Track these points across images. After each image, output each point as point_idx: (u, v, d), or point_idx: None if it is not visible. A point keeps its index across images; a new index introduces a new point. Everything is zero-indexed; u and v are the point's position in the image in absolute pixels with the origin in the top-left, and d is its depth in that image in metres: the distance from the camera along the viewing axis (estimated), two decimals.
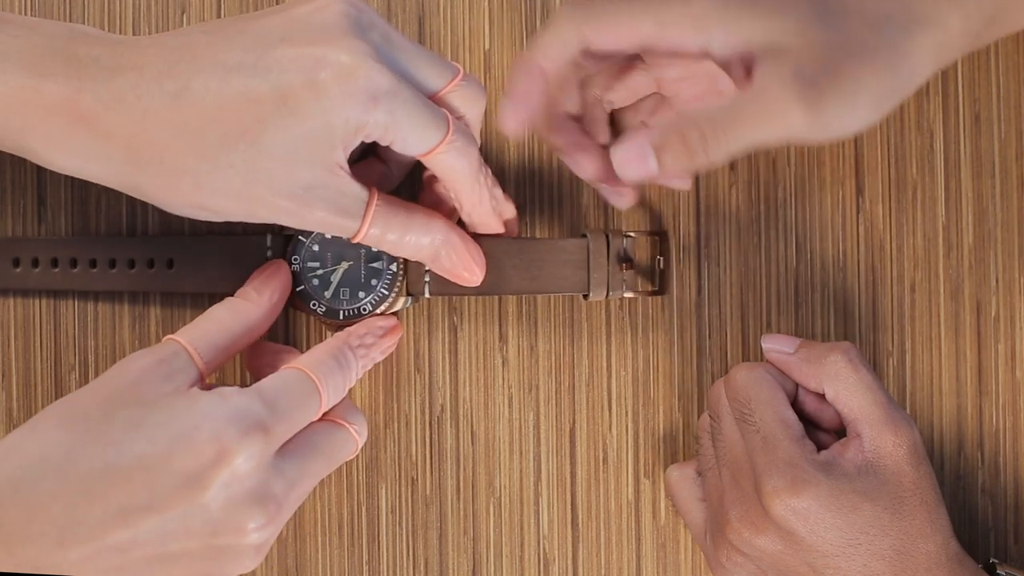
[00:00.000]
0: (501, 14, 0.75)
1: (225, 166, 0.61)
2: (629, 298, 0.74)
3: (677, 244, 0.74)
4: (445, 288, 0.71)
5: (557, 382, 0.75)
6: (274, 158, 0.61)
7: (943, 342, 0.75)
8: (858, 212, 0.75)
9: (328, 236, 0.71)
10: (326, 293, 0.71)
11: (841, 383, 0.68)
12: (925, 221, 0.75)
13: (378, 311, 0.71)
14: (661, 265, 0.73)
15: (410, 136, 0.63)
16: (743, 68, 0.63)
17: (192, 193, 0.62)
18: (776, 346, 0.70)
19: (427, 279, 0.71)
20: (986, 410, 0.75)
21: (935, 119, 0.75)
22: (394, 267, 0.71)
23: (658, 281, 0.74)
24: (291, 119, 0.61)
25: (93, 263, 0.72)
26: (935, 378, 0.75)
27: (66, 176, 0.73)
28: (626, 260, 0.72)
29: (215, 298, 0.71)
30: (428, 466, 0.74)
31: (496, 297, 0.74)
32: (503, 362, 0.74)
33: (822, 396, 0.69)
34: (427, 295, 0.71)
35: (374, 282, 0.71)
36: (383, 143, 0.64)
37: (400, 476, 0.74)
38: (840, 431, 0.69)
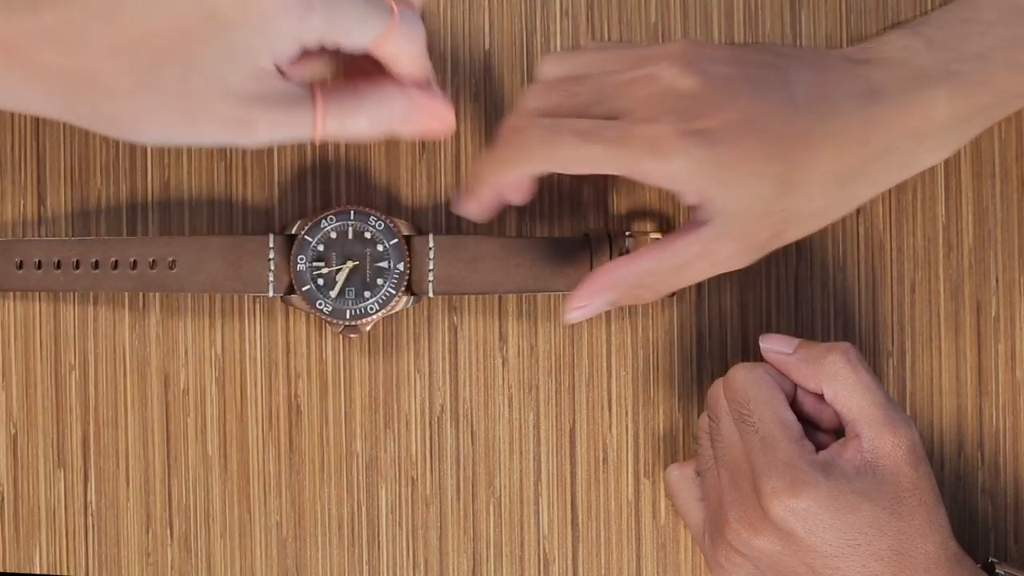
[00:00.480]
0: (501, 14, 0.75)
1: (158, 84, 0.61)
2: None
3: None
4: (449, 287, 0.71)
5: (557, 382, 0.75)
6: (204, 73, 0.61)
7: (943, 342, 0.75)
8: (858, 212, 0.74)
9: (333, 235, 0.71)
10: (331, 293, 0.71)
11: (840, 383, 0.68)
12: (925, 221, 0.75)
13: (384, 312, 0.71)
14: None
15: (354, 31, 0.63)
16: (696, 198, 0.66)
17: (131, 115, 0.62)
18: (774, 346, 0.70)
19: (431, 279, 0.71)
20: (986, 410, 0.75)
21: None
22: (401, 266, 0.71)
23: None
24: (218, 35, 0.61)
25: (96, 264, 0.72)
26: (935, 378, 0.75)
27: (66, 176, 0.74)
28: None
29: (216, 299, 0.71)
30: (428, 466, 0.74)
31: (496, 297, 0.74)
32: (503, 362, 0.74)
33: (821, 396, 0.68)
34: (431, 294, 0.71)
35: (380, 282, 0.71)
36: (327, 45, 0.63)
37: (400, 476, 0.74)
38: (839, 431, 0.69)
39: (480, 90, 0.74)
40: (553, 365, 0.75)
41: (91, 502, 0.74)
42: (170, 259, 0.72)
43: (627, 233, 0.72)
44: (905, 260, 0.75)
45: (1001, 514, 0.74)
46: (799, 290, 0.75)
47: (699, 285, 0.74)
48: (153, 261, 0.72)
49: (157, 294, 0.74)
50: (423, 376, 0.74)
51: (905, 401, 0.74)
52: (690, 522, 0.71)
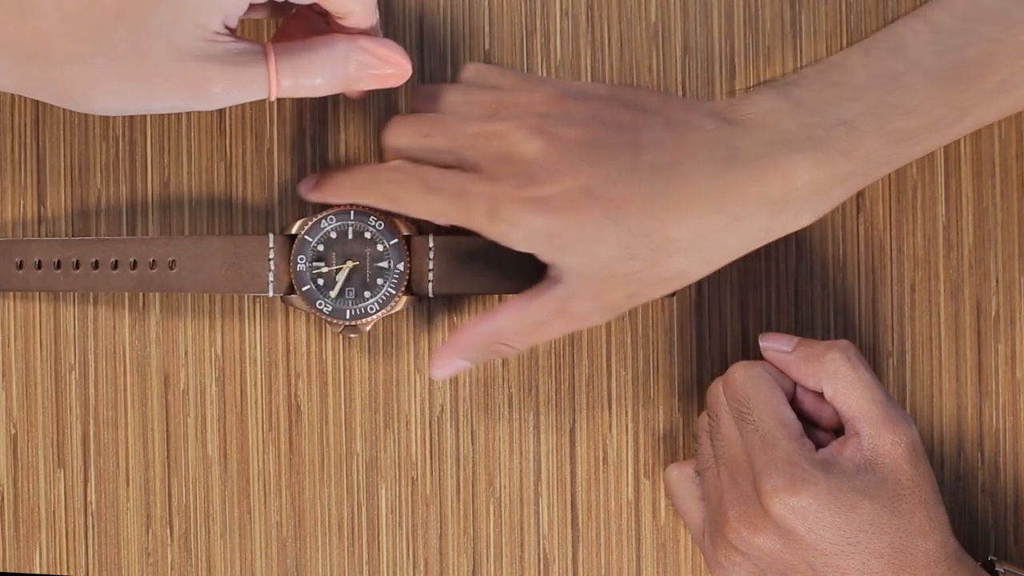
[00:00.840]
0: (501, 14, 0.75)
1: (109, 49, 0.62)
2: None
3: None
4: (449, 288, 0.71)
5: (557, 382, 0.75)
6: (155, 36, 0.62)
7: (943, 342, 0.75)
8: (858, 212, 0.74)
9: (333, 235, 0.71)
10: (331, 293, 0.71)
11: (839, 381, 0.68)
12: (925, 221, 0.75)
13: (384, 312, 0.71)
14: None
15: None
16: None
17: (82, 83, 0.62)
18: (774, 345, 0.70)
19: (431, 279, 0.71)
20: (986, 410, 0.74)
21: None
22: (401, 266, 0.71)
23: None
24: None
25: (96, 264, 0.72)
26: (935, 378, 0.75)
27: (66, 176, 0.74)
28: None
29: (216, 299, 0.71)
30: (428, 466, 0.74)
31: (496, 297, 0.74)
32: (503, 362, 0.74)
33: (820, 395, 0.69)
34: (431, 295, 0.71)
35: (380, 282, 0.71)
36: None
37: (400, 476, 0.74)
38: (838, 430, 0.69)
39: None
40: (553, 365, 0.75)
41: (91, 502, 0.74)
42: (170, 259, 0.71)
43: None
44: (905, 260, 0.75)
45: (1001, 514, 0.74)
46: (799, 290, 0.75)
47: (699, 285, 0.74)
48: (153, 261, 0.72)
49: (157, 294, 0.74)
50: (423, 376, 0.74)
51: (905, 401, 0.74)
52: (690, 522, 0.71)
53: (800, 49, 0.74)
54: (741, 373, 0.69)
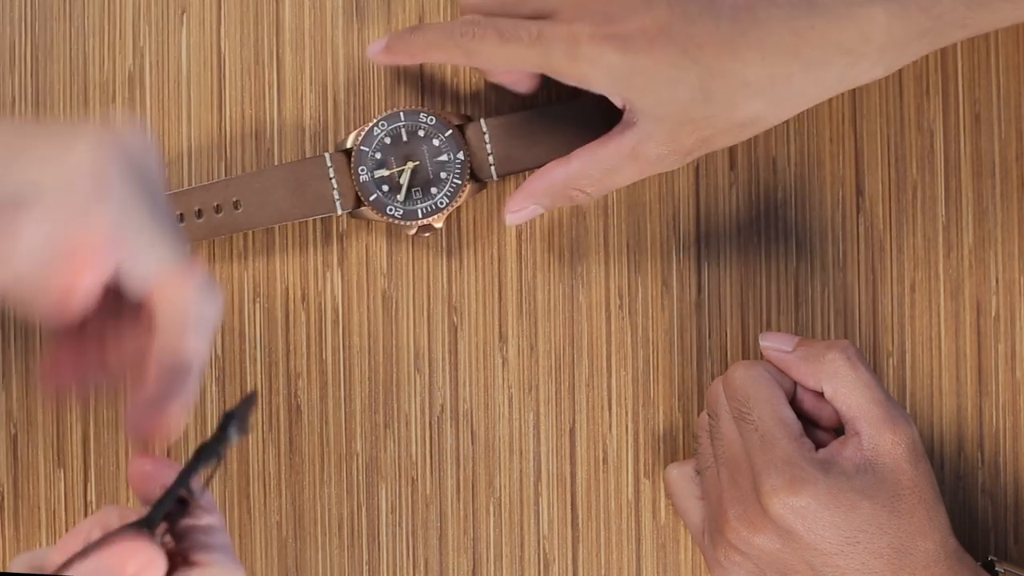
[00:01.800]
0: None
1: None
2: None
3: (677, 244, 0.74)
4: (511, 166, 0.72)
5: (557, 382, 0.75)
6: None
7: (943, 342, 0.75)
8: (858, 212, 0.74)
9: (388, 140, 0.71)
10: (399, 197, 0.71)
11: (839, 381, 0.68)
12: (925, 221, 0.75)
13: (454, 204, 0.71)
14: None
15: (143, 254, 0.55)
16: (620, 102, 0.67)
17: None
18: (774, 344, 0.70)
19: (492, 162, 0.72)
20: (986, 410, 0.74)
21: (935, 119, 0.75)
22: (461, 155, 0.71)
23: None
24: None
25: None
26: (935, 378, 0.75)
27: None
28: None
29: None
30: (428, 466, 0.74)
31: (496, 297, 0.74)
32: (503, 362, 0.74)
33: (820, 394, 0.69)
34: (495, 177, 0.72)
35: (444, 175, 0.71)
36: (103, 273, 0.55)
37: (400, 476, 0.74)
38: (838, 429, 0.69)
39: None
40: (553, 365, 0.75)
41: (91, 502, 0.74)
42: (234, 199, 0.72)
43: None
44: (905, 260, 0.75)
45: (1001, 514, 0.74)
46: (799, 290, 0.75)
47: (699, 285, 0.74)
48: (217, 206, 0.72)
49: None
50: (423, 376, 0.74)
51: (905, 401, 0.74)
52: (689, 521, 0.71)
53: None
54: (741, 372, 0.69)
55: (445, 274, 0.74)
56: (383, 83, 0.74)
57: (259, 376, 0.74)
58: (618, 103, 0.67)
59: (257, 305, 0.74)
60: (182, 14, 0.74)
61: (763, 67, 0.65)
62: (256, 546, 0.74)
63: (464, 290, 0.74)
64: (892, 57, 0.66)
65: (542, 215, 0.74)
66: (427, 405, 0.74)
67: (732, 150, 0.74)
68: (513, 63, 0.67)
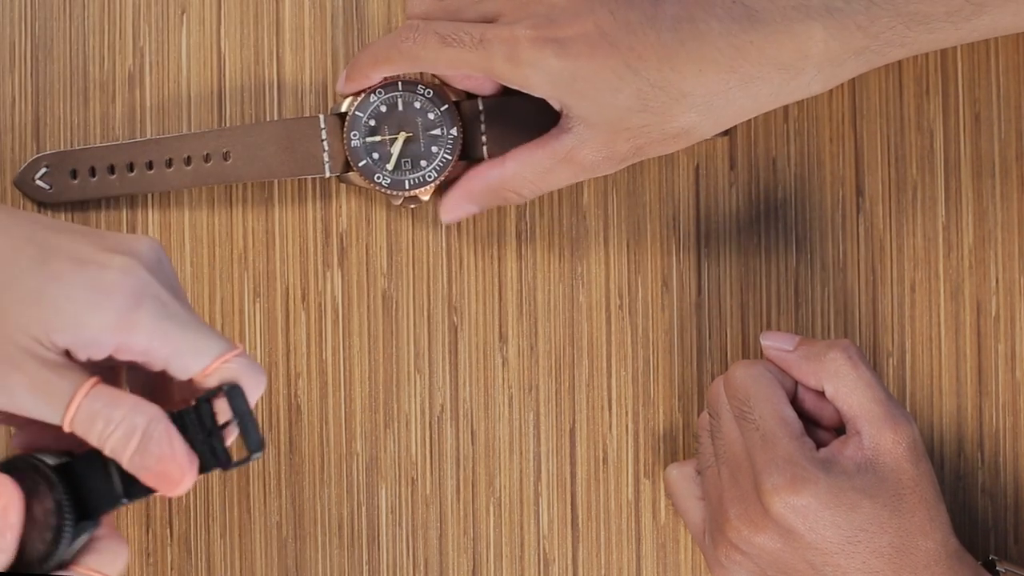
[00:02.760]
0: None
1: None
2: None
3: (677, 244, 0.74)
4: (503, 147, 0.71)
5: (557, 382, 0.74)
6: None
7: (943, 342, 0.75)
8: (858, 212, 0.75)
9: (383, 109, 0.71)
10: (388, 166, 0.71)
11: (840, 380, 0.68)
12: (925, 221, 0.75)
13: (441, 178, 0.71)
14: None
15: (184, 347, 0.60)
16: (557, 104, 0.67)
17: None
18: (775, 343, 0.70)
19: (484, 141, 0.72)
20: (986, 410, 0.74)
21: (935, 119, 0.75)
22: (454, 132, 0.71)
23: None
24: (33, 293, 0.59)
25: (150, 165, 0.72)
26: (935, 378, 0.75)
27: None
28: None
29: (216, 298, 0.71)
30: (428, 466, 0.74)
31: (496, 297, 0.74)
32: (503, 362, 0.74)
33: (821, 394, 0.69)
34: (486, 156, 0.72)
35: (435, 149, 0.71)
36: (152, 366, 0.61)
37: (400, 476, 0.74)
38: (839, 429, 0.69)
39: None
40: (553, 365, 0.74)
41: None
42: (224, 150, 0.72)
43: None
44: (905, 260, 0.75)
45: (1001, 514, 0.74)
46: (799, 290, 0.75)
47: (699, 285, 0.74)
48: (207, 155, 0.72)
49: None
50: (423, 376, 0.74)
51: (905, 401, 0.74)
52: (690, 521, 0.71)
53: None
54: (742, 372, 0.69)
55: (445, 274, 0.74)
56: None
57: None
58: (555, 106, 0.67)
59: (257, 305, 0.74)
60: (182, 14, 0.74)
61: (700, 80, 0.65)
62: (256, 546, 0.74)
63: (464, 290, 0.74)
64: (829, 74, 0.66)
65: (542, 216, 0.74)
66: (427, 405, 0.74)
67: (732, 150, 0.74)
68: (456, 66, 0.68)
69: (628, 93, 0.65)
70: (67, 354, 0.60)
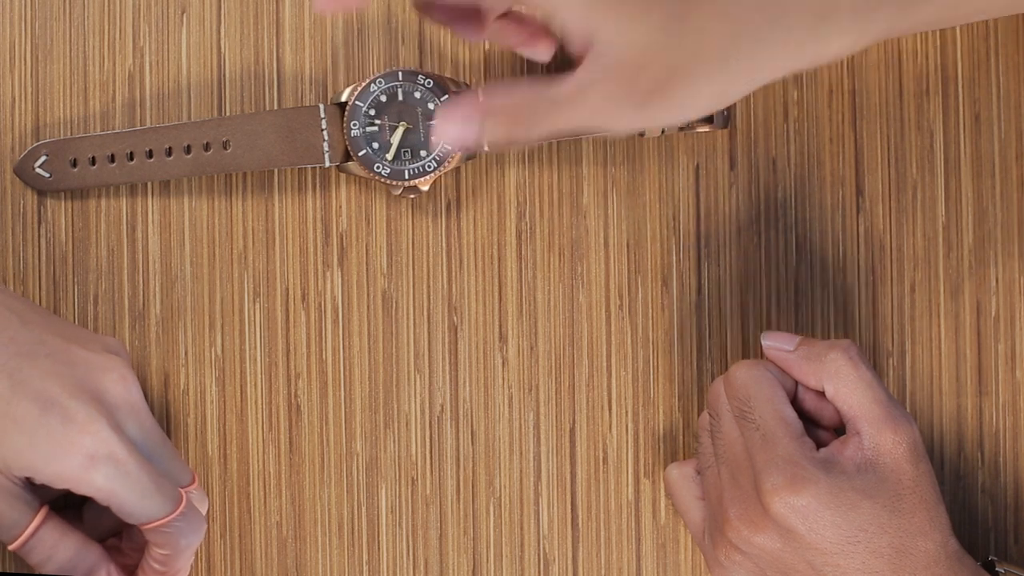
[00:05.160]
0: None
1: None
2: (693, 133, 0.74)
3: (677, 244, 0.74)
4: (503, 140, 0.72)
5: (557, 382, 0.75)
6: None
7: (943, 342, 0.75)
8: (858, 212, 0.75)
9: (383, 99, 0.71)
10: (387, 156, 0.71)
11: (841, 380, 0.68)
12: (925, 221, 0.75)
13: (441, 169, 0.71)
14: None
15: (129, 506, 0.65)
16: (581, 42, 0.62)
17: None
18: (776, 343, 0.70)
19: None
20: (986, 410, 0.75)
21: (935, 119, 0.75)
22: None
23: (715, 117, 0.73)
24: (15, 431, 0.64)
25: (150, 153, 0.72)
26: (935, 378, 0.75)
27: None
28: None
29: (216, 297, 0.71)
30: (428, 466, 0.74)
31: (496, 297, 0.74)
32: (503, 362, 0.74)
33: (821, 394, 0.69)
34: (486, 148, 0.72)
35: (435, 139, 0.72)
36: (104, 503, 0.66)
37: (400, 476, 0.74)
38: (839, 429, 0.69)
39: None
40: (553, 365, 0.74)
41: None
42: (224, 139, 0.72)
43: None
44: (905, 260, 0.75)
45: (1001, 514, 0.74)
46: (799, 290, 0.75)
47: (699, 285, 0.74)
48: (207, 144, 0.72)
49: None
50: (423, 376, 0.74)
51: (905, 401, 0.74)
52: (690, 521, 0.71)
53: None
54: (743, 372, 0.69)
55: (445, 274, 0.74)
56: (385, 44, 0.75)
57: (259, 376, 0.74)
58: (577, 38, 0.62)
59: (257, 305, 0.74)
60: (182, 14, 0.74)
61: (728, 17, 0.62)
62: (256, 546, 0.74)
63: (464, 290, 0.74)
64: (857, 27, 0.63)
65: (542, 216, 0.74)
66: (427, 405, 0.74)
67: (732, 150, 0.74)
68: None
69: (658, 18, 0.61)
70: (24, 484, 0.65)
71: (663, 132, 0.73)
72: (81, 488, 0.65)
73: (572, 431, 0.74)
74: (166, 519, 0.66)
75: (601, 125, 0.63)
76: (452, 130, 0.62)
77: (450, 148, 0.71)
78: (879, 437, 0.66)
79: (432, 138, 0.71)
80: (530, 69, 0.75)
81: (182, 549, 0.67)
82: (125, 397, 0.66)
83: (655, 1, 0.61)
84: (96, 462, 0.64)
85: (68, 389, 0.65)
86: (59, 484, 0.65)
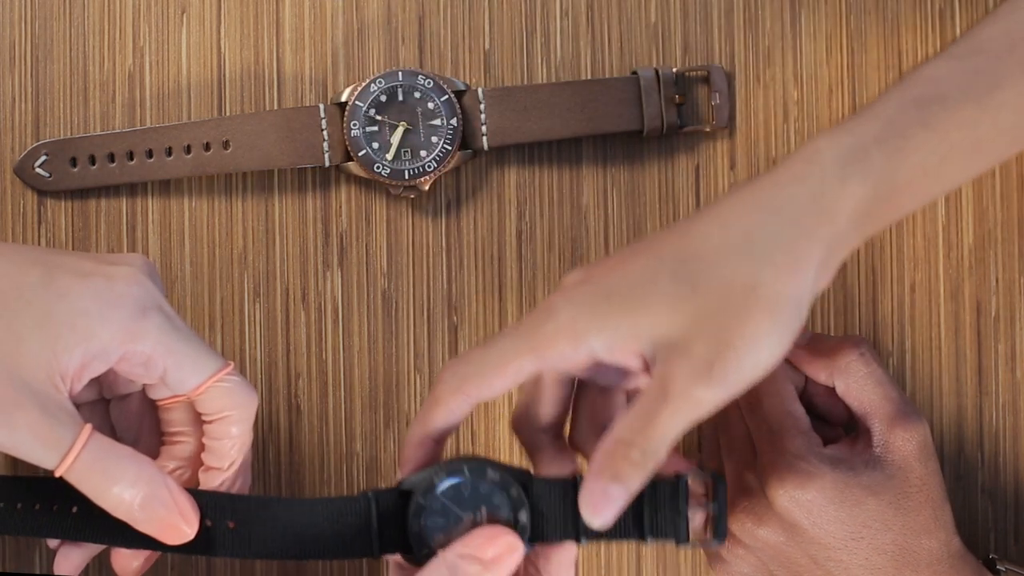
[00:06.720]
0: (501, 14, 0.75)
1: None
2: (693, 133, 0.74)
3: None
4: (503, 139, 0.72)
5: None
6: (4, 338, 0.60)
7: (943, 342, 0.75)
8: None
9: (383, 99, 0.72)
10: (387, 156, 0.71)
11: (851, 377, 0.68)
12: (925, 221, 0.75)
13: (441, 169, 0.72)
14: (716, 100, 0.74)
15: (184, 361, 0.63)
16: (638, 360, 0.60)
17: None
18: None
19: (484, 132, 0.72)
20: (986, 410, 0.75)
21: None
22: (454, 122, 0.72)
23: (715, 116, 0.74)
24: (38, 313, 0.60)
25: (150, 153, 0.72)
26: (935, 378, 0.75)
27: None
28: (679, 94, 0.73)
29: (216, 297, 0.71)
30: None
31: (496, 297, 0.74)
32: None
33: (832, 390, 0.69)
34: (486, 147, 0.72)
35: (435, 139, 0.72)
36: (147, 378, 0.63)
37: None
38: (848, 427, 0.69)
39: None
40: None
41: None
42: (224, 139, 0.72)
43: (677, 71, 0.74)
44: (905, 260, 0.75)
45: (1001, 514, 0.74)
46: None
47: None
48: (207, 144, 0.72)
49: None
50: (423, 376, 0.74)
51: None
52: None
53: (800, 49, 0.75)
54: None
55: (445, 274, 0.74)
56: (386, 46, 0.75)
57: (259, 376, 0.74)
58: (636, 363, 0.61)
59: (257, 305, 0.74)
60: (182, 14, 0.74)
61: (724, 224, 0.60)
62: None
63: (464, 290, 0.74)
64: (857, 168, 0.60)
65: (542, 216, 0.74)
66: None
67: (732, 150, 0.74)
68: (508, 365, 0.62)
69: (663, 291, 0.59)
70: (71, 387, 0.61)
71: (663, 132, 0.73)
72: (137, 343, 0.61)
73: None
74: (222, 371, 0.63)
75: (693, 417, 0.59)
76: (606, 513, 0.60)
77: (450, 148, 0.71)
78: (889, 434, 0.66)
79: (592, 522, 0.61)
80: (530, 68, 0.75)
81: (245, 404, 0.64)
82: (153, 273, 0.64)
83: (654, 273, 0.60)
84: (147, 311, 0.61)
85: (102, 264, 0.62)
86: (115, 348, 0.61)
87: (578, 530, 0.62)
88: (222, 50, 0.74)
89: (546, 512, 0.62)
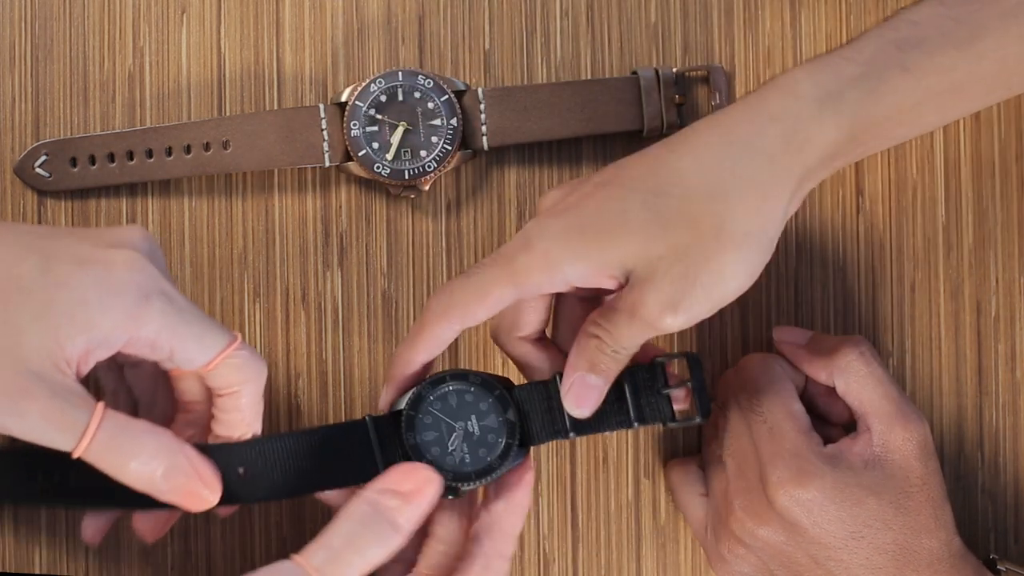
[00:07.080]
0: (501, 14, 0.75)
1: None
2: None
3: None
4: (503, 139, 0.72)
5: None
6: (4, 332, 0.59)
7: (943, 342, 0.75)
8: (858, 212, 0.75)
9: (383, 99, 0.72)
10: (387, 156, 0.72)
11: (852, 376, 0.68)
12: (925, 221, 0.75)
13: (441, 169, 0.72)
14: (716, 100, 0.74)
15: (190, 342, 0.62)
16: (612, 282, 0.63)
17: None
18: (787, 337, 0.70)
19: (484, 132, 0.72)
20: (986, 410, 0.75)
21: None
22: (454, 122, 0.72)
23: None
24: (39, 302, 0.59)
25: (150, 153, 0.72)
26: (935, 378, 0.75)
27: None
28: (679, 94, 0.73)
29: (216, 297, 0.71)
30: None
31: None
32: (503, 362, 0.74)
33: (832, 389, 0.69)
34: (486, 147, 0.72)
35: (435, 139, 0.72)
36: (155, 357, 0.62)
37: None
38: (848, 426, 0.69)
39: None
40: None
41: None
42: (223, 139, 0.72)
43: (678, 71, 0.74)
44: (905, 260, 0.75)
45: (1001, 514, 0.75)
46: (799, 290, 0.75)
47: None
48: (207, 144, 0.72)
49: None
50: None
51: None
52: (691, 518, 0.71)
53: (800, 49, 0.75)
54: (752, 364, 0.69)
55: (445, 274, 0.74)
56: (386, 44, 0.75)
57: None
58: (610, 284, 0.64)
59: (257, 305, 0.74)
60: (182, 14, 0.74)
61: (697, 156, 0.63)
62: (256, 546, 0.74)
63: None
64: (833, 107, 0.62)
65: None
66: None
67: None
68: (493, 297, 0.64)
69: (636, 209, 0.63)
70: (77, 370, 0.60)
71: (663, 132, 0.73)
72: (140, 329, 0.61)
73: None
74: (230, 347, 0.63)
75: (659, 332, 0.63)
76: (588, 403, 0.65)
77: (450, 148, 0.71)
78: (889, 434, 0.66)
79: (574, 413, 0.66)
80: (530, 68, 0.75)
81: (254, 378, 0.64)
82: (154, 249, 0.63)
83: (633, 205, 0.63)
84: (150, 297, 0.60)
85: (100, 246, 0.61)
86: (117, 336, 0.60)
87: (566, 426, 0.66)
88: (222, 50, 0.74)
89: (531, 414, 0.66)
